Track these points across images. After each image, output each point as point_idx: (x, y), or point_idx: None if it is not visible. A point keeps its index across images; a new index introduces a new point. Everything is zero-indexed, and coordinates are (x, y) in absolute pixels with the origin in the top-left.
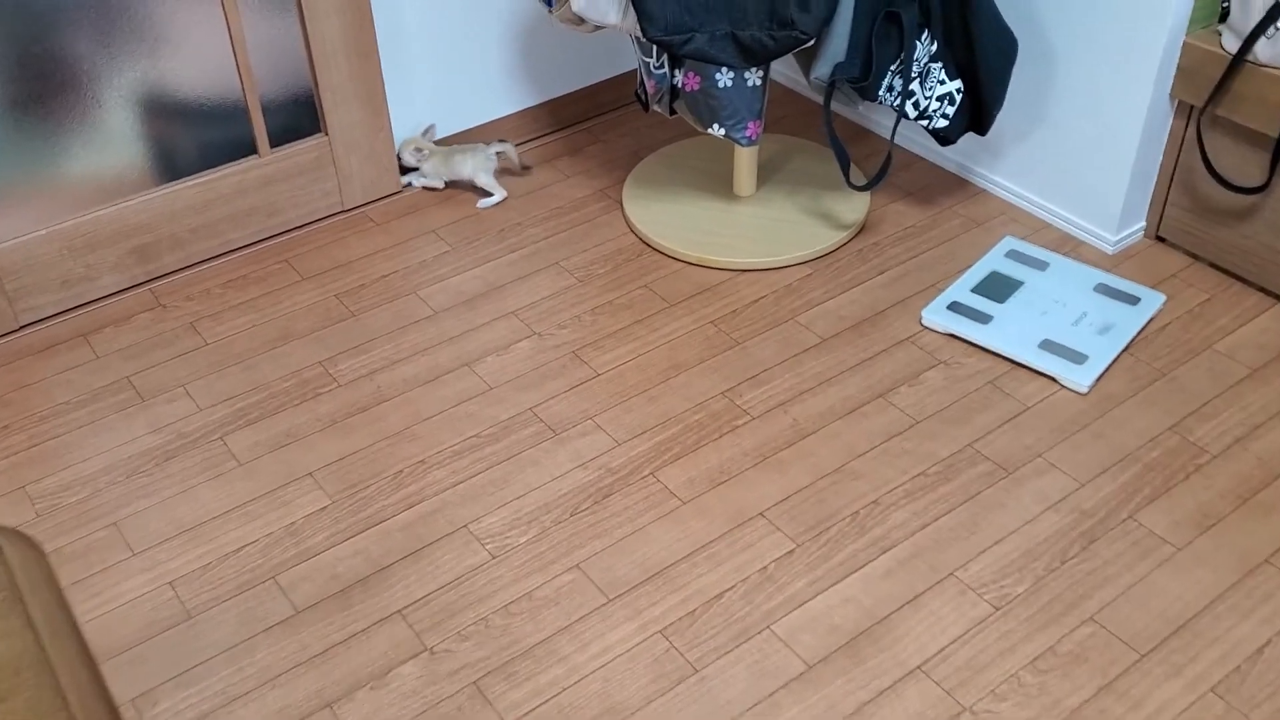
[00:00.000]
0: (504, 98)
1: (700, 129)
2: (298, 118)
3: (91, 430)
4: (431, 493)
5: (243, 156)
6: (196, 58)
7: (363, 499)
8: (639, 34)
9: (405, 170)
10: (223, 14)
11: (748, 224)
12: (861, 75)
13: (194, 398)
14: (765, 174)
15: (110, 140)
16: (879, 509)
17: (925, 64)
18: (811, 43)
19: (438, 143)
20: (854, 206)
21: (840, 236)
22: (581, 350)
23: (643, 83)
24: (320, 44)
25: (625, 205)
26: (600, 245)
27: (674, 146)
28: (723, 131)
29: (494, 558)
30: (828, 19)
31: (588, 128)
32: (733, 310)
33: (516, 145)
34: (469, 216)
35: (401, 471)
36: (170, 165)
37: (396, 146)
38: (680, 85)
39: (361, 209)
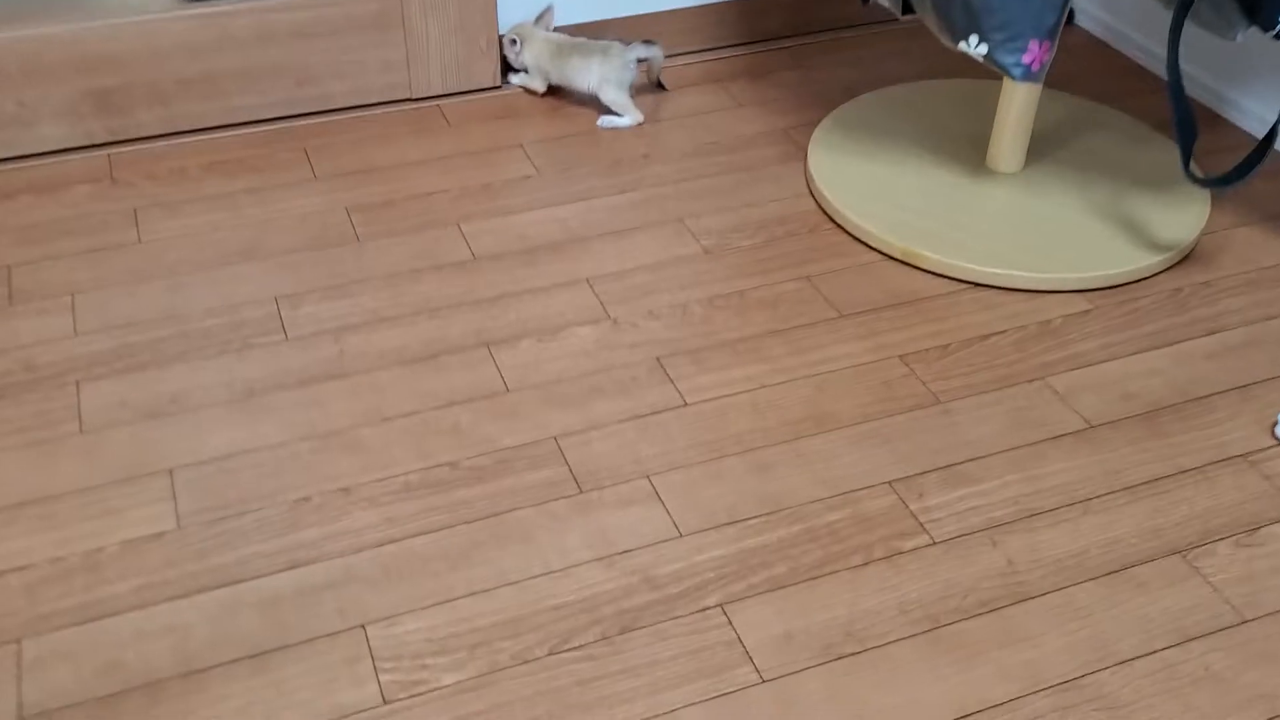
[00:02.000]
0: None
1: (948, 42)
2: None
3: None
4: (337, 550)
5: None
6: None
7: (226, 534)
8: None
9: (510, 69)
10: None
11: (999, 214)
12: None
13: (77, 315)
14: (1041, 146)
15: None
16: None
17: None
18: None
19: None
20: (1178, 219)
21: (1149, 261)
22: (671, 359)
23: None
24: None
25: (811, 155)
26: (756, 205)
27: (911, 86)
28: (984, 49)
29: (385, 703)
30: None
31: (789, 48)
32: (942, 344)
33: (679, 55)
34: (579, 134)
35: (308, 499)
36: None
37: (501, 30)
38: None
39: (435, 102)
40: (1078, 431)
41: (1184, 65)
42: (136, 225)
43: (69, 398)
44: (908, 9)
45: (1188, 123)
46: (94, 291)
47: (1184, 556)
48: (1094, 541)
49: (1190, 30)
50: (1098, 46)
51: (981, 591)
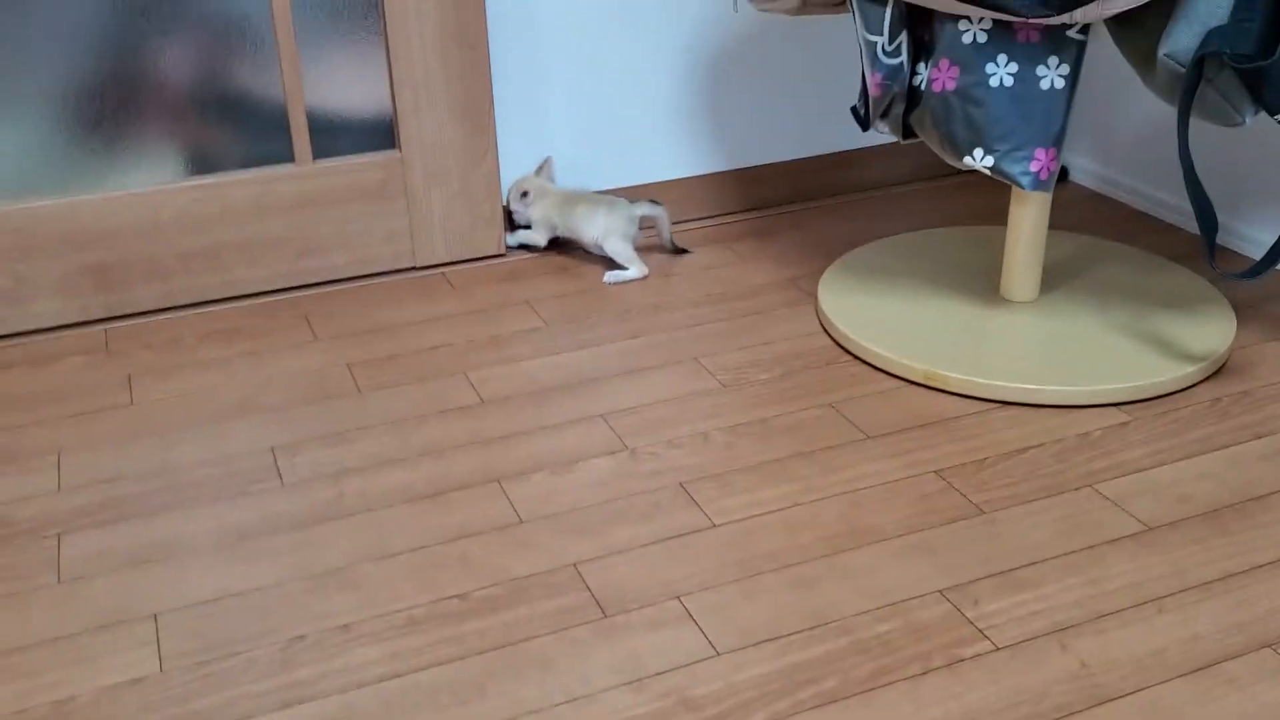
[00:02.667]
0: (676, 153)
1: (952, 160)
2: (366, 123)
3: None
4: (335, 687)
5: (273, 163)
6: (229, 6)
7: (213, 676)
8: None
9: (513, 225)
10: None
11: (1020, 336)
12: (1260, 51)
13: (62, 472)
14: (1054, 278)
15: (74, 96)
16: None
17: None
18: None
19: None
20: (1205, 334)
21: (1184, 372)
22: (696, 484)
23: (864, 84)
24: (402, 22)
25: (821, 296)
26: (770, 344)
27: (914, 233)
28: (990, 161)
29: None
30: None
31: (790, 213)
32: (978, 459)
33: (682, 222)
34: (587, 291)
35: (303, 638)
36: (162, 155)
37: (504, 192)
38: (925, 84)
39: (439, 270)
40: (1136, 534)
41: (1181, 201)
42: (130, 389)
43: (48, 550)
44: (909, 133)
45: (1208, 213)
46: (81, 451)
47: (1275, 650)
48: (1173, 639)
49: None
50: (1096, 199)
51: (1056, 696)
